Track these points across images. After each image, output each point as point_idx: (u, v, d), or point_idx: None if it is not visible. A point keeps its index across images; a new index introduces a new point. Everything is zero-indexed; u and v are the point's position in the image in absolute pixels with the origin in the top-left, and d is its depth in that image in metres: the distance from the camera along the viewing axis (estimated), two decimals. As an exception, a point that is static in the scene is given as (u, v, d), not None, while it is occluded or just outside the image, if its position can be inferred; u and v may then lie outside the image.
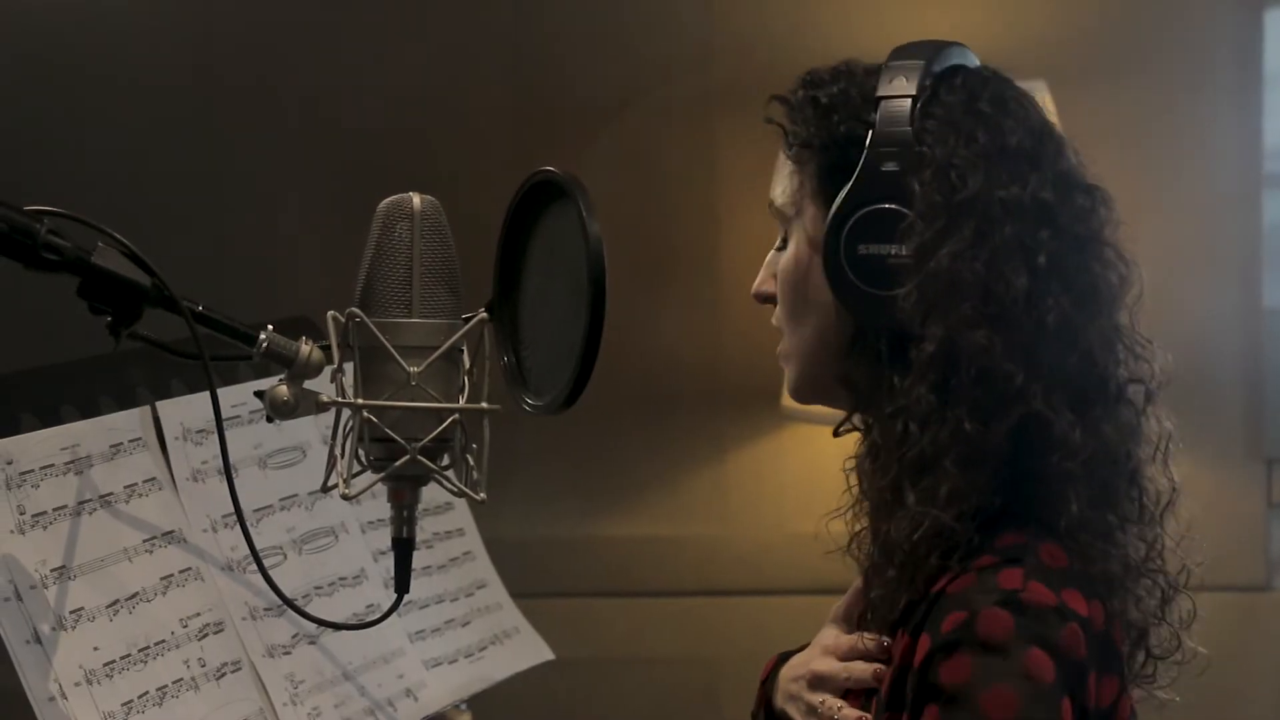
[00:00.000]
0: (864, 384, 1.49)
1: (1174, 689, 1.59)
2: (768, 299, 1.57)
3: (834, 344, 1.51)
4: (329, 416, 1.43)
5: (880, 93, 1.48)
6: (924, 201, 1.44)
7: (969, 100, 1.49)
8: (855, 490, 1.53)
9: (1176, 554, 1.53)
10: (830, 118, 1.50)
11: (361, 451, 1.41)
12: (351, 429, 1.41)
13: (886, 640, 1.48)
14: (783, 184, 1.54)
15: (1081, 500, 1.44)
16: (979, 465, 1.42)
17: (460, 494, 1.43)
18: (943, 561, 1.41)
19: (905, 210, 1.45)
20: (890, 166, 1.46)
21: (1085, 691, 1.39)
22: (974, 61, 1.55)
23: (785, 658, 1.63)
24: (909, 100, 1.47)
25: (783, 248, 1.55)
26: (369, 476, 1.42)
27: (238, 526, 1.49)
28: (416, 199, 1.42)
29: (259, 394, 1.44)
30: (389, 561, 1.51)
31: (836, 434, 1.54)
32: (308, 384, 1.44)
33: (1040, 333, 1.44)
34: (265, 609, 1.61)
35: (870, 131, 1.47)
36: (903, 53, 1.51)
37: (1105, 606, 1.44)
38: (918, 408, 1.43)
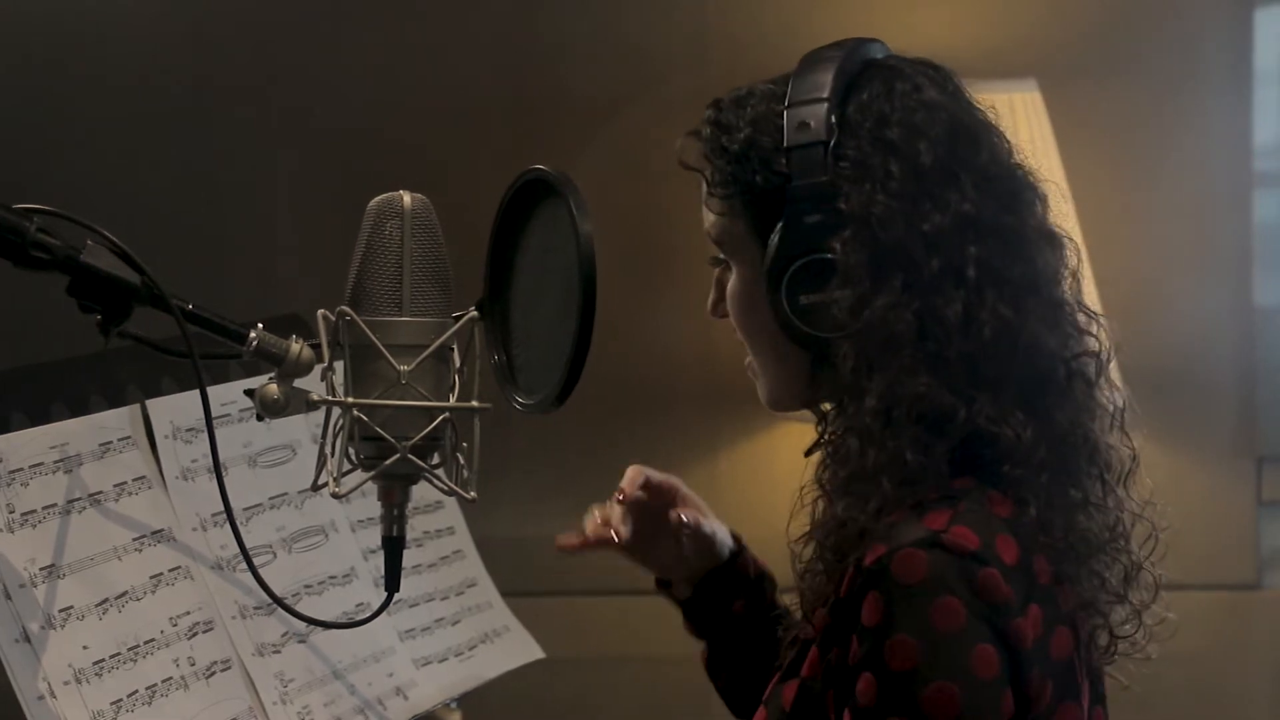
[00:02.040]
0: (827, 398, 1.53)
1: (1163, 689, 1.59)
2: (720, 316, 1.59)
3: (794, 365, 1.54)
4: (319, 415, 1.43)
5: (789, 142, 1.48)
6: (848, 259, 1.46)
7: (877, 127, 1.49)
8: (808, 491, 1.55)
9: (1143, 518, 1.54)
10: (744, 167, 1.51)
11: (352, 450, 1.41)
12: (342, 427, 1.41)
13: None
14: (712, 220, 1.55)
15: (1040, 498, 1.46)
16: (916, 483, 1.44)
17: (451, 492, 1.43)
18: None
19: (832, 258, 1.47)
20: (813, 219, 1.47)
21: (1014, 634, 1.40)
22: (877, 55, 1.55)
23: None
24: (820, 147, 1.48)
25: (723, 264, 1.57)
26: (359, 475, 1.42)
27: (227, 525, 1.49)
28: (407, 197, 1.42)
29: (249, 392, 1.44)
30: (379, 560, 1.50)
31: (808, 455, 1.56)
32: (298, 382, 1.44)
33: (982, 349, 1.46)
34: (255, 608, 1.61)
35: (785, 183, 1.48)
36: (803, 84, 1.51)
37: (1054, 567, 1.46)
38: (865, 431, 1.46)
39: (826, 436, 1.52)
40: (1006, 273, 1.48)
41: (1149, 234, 2.95)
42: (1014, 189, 1.52)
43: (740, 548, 1.80)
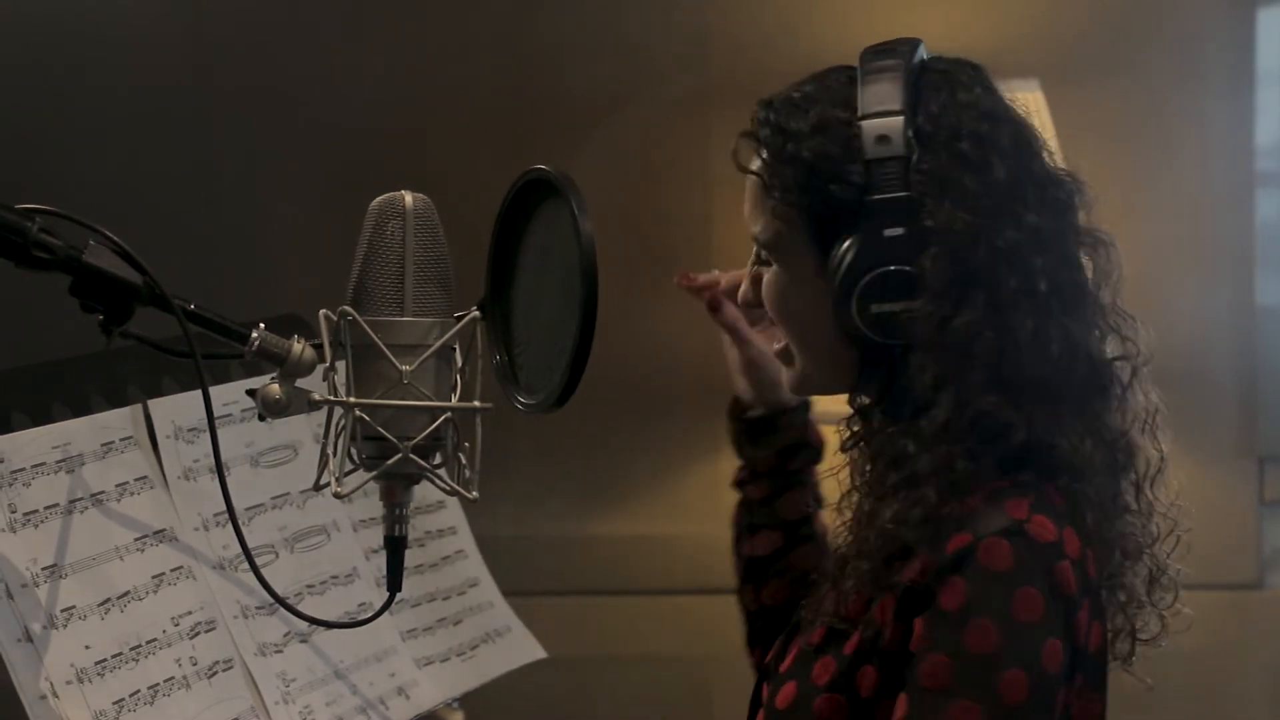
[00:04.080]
0: (873, 395, 1.56)
1: (1165, 688, 1.61)
2: (751, 305, 1.64)
3: (842, 362, 1.56)
4: (321, 415, 1.43)
5: (869, 155, 1.49)
6: (934, 275, 1.48)
7: (950, 140, 1.51)
8: (846, 481, 1.58)
9: (1168, 518, 1.58)
10: (816, 176, 1.52)
11: (353, 450, 1.41)
12: (344, 427, 1.41)
13: None
14: (765, 223, 1.57)
15: (1093, 502, 1.50)
16: (962, 491, 1.47)
17: (452, 492, 1.43)
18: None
19: (913, 271, 1.49)
20: (894, 232, 1.49)
21: (1076, 627, 1.44)
22: (925, 57, 1.56)
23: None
24: (900, 161, 1.49)
25: (765, 263, 1.60)
26: (361, 475, 1.42)
27: (229, 525, 1.49)
28: (409, 197, 1.42)
29: (251, 392, 1.44)
30: (381, 560, 1.50)
31: (844, 450, 1.59)
32: (300, 382, 1.43)
33: (1049, 365, 1.49)
34: (257, 607, 1.61)
35: (865, 196, 1.50)
36: (873, 94, 1.51)
37: (1099, 566, 1.50)
38: (921, 436, 1.49)
39: (874, 435, 1.54)
40: (1066, 283, 1.52)
41: (1151, 234, 2.95)
42: (1063, 194, 1.55)
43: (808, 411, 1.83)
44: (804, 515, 1.82)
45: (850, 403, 1.59)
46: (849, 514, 1.58)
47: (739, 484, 1.86)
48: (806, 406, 1.83)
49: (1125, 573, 1.55)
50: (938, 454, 1.47)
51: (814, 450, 1.83)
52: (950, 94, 1.53)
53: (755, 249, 1.62)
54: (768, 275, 1.59)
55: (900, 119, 1.50)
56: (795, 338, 1.59)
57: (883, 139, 1.50)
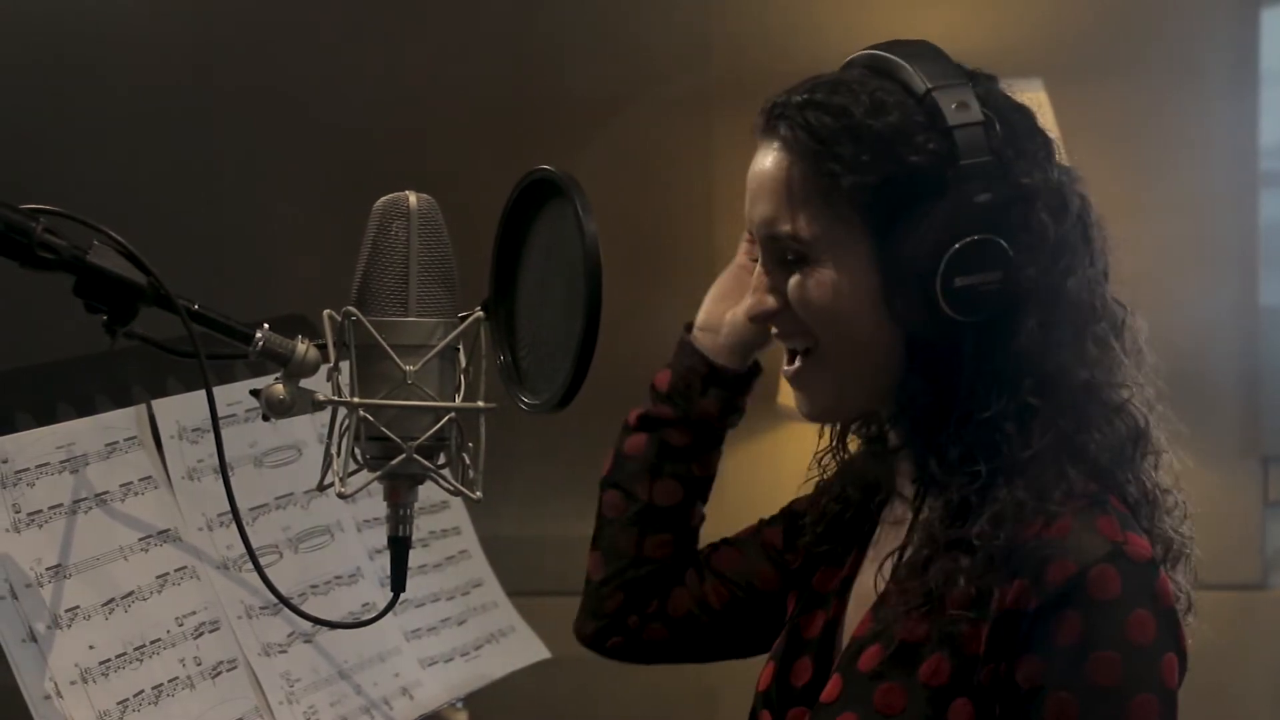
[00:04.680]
0: (923, 394, 1.51)
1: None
2: (770, 318, 1.56)
3: (886, 370, 1.52)
4: (325, 415, 1.43)
5: (952, 121, 1.46)
6: (1032, 232, 1.47)
7: (1009, 110, 1.51)
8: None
9: (1175, 495, 1.57)
10: (894, 150, 1.47)
11: (357, 450, 1.41)
12: (348, 428, 1.41)
13: None
14: (806, 217, 1.50)
15: (1145, 510, 1.52)
16: (1079, 460, 1.46)
17: (456, 492, 1.43)
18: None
19: (999, 240, 1.46)
20: (983, 197, 1.46)
21: (1182, 634, 1.45)
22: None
23: None
24: (979, 127, 1.47)
25: (781, 269, 1.54)
26: (365, 475, 1.42)
27: (233, 525, 1.49)
28: (413, 197, 1.42)
29: (255, 393, 1.44)
30: (385, 560, 1.50)
31: (894, 452, 1.58)
32: (304, 383, 1.43)
33: (1121, 339, 1.52)
34: (261, 607, 1.61)
35: (950, 162, 1.46)
36: (932, 69, 1.49)
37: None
38: (1013, 413, 1.46)
39: (970, 424, 1.48)
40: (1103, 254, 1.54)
41: (1154, 233, 2.95)
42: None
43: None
44: (709, 477, 1.78)
45: (881, 412, 1.57)
46: (903, 526, 1.55)
47: (652, 420, 1.77)
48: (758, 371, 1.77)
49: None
50: (1046, 428, 1.45)
51: (740, 416, 1.78)
52: (989, 86, 1.53)
53: (769, 255, 1.55)
54: (813, 277, 1.51)
55: (968, 88, 1.49)
56: (839, 343, 1.52)
57: (962, 105, 1.47)
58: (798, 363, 1.56)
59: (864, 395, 1.55)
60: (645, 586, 1.78)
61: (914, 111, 1.48)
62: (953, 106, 1.47)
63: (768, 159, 1.53)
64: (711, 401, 1.75)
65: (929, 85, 1.48)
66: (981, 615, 1.43)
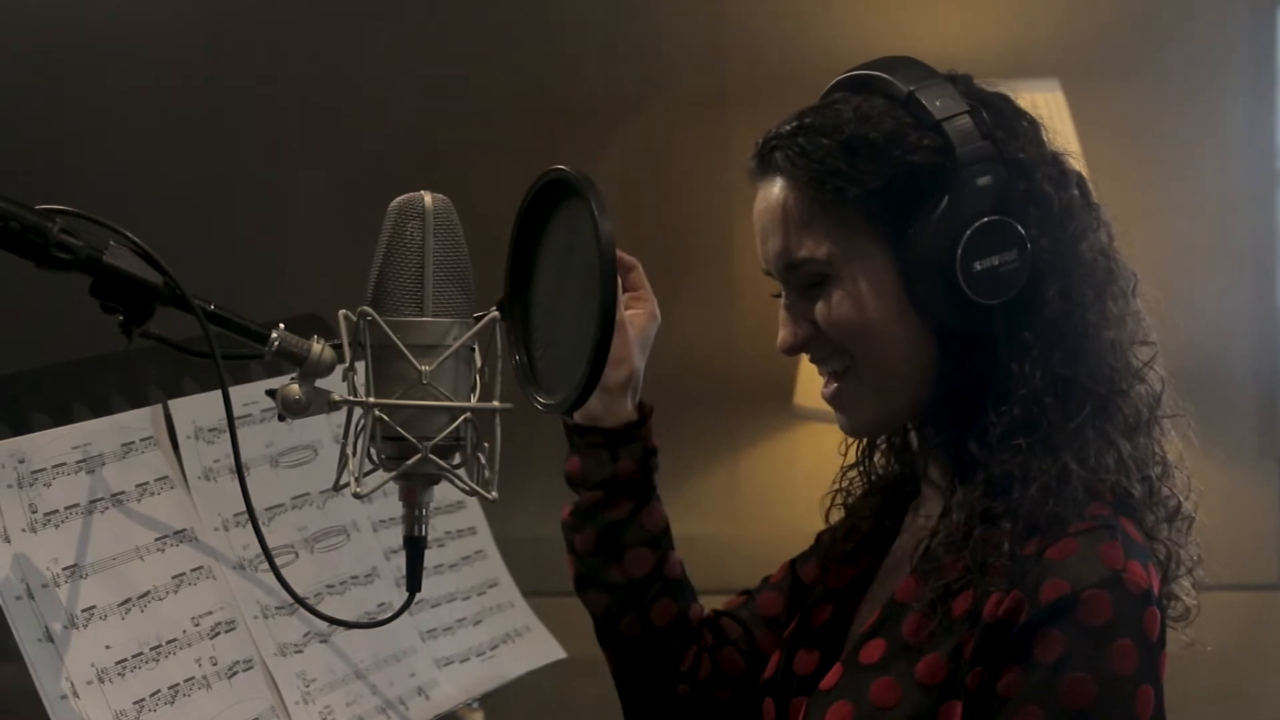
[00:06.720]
0: (963, 384, 1.52)
1: (1187, 689, 1.61)
2: (803, 348, 1.57)
3: (929, 364, 1.53)
4: (340, 415, 1.43)
5: (939, 115, 1.50)
6: (1038, 204, 1.50)
7: (993, 100, 1.55)
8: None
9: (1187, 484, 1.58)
10: (892, 154, 1.50)
11: (373, 450, 1.41)
12: (363, 428, 1.41)
13: None
14: (816, 237, 1.52)
15: (1163, 534, 1.54)
16: (1060, 531, 1.45)
17: (472, 492, 1.43)
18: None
19: (1007, 219, 1.48)
20: (984, 180, 1.49)
21: (1160, 668, 1.45)
22: None
23: None
24: (967, 116, 1.50)
25: (805, 297, 1.55)
26: (381, 475, 1.42)
27: (249, 525, 1.49)
28: (428, 198, 1.42)
29: (271, 393, 1.44)
30: (400, 560, 1.50)
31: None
32: (319, 383, 1.44)
33: (1137, 296, 1.55)
34: (277, 607, 1.62)
35: (947, 154, 1.49)
36: (909, 74, 1.53)
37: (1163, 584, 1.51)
38: (1049, 385, 1.48)
39: (1009, 401, 1.49)
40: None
41: (1171, 234, 2.94)
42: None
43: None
44: (665, 524, 1.75)
45: (914, 421, 1.58)
46: (928, 523, 1.55)
47: (587, 509, 1.75)
48: (649, 410, 1.75)
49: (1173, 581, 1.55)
50: (1088, 393, 1.48)
51: (656, 454, 1.75)
52: (959, 80, 1.57)
53: (790, 286, 1.56)
54: (837, 296, 1.52)
55: (947, 84, 1.53)
56: (874, 354, 1.53)
57: (946, 100, 1.51)
58: (835, 384, 1.57)
59: (904, 402, 1.55)
60: (674, 650, 1.76)
61: (902, 115, 1.51)
62: (937, 102, 1.50)
63: (770, 193, 1.56)
64: (626, 462, 1.73)
65: (910, 88, 1.51)
66: (974, 624, 1.45)
